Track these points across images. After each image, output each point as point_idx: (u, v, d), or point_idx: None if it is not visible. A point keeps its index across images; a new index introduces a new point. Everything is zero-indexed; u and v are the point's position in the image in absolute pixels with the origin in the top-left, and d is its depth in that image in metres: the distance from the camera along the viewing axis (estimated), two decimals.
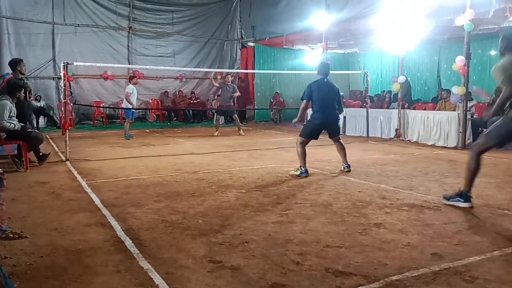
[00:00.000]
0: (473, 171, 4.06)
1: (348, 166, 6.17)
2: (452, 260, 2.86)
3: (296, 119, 6.42)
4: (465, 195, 4.13)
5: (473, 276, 2.61)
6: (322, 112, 6.05)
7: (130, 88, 10.86)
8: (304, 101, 6.17)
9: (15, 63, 7.16)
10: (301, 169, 5.94)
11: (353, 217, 3.87)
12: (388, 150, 8.54)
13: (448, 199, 4.29)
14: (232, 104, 12.17)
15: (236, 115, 12.27)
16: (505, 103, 3.88)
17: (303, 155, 6.01)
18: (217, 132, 11.80)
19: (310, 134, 6.12)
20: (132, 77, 11.31)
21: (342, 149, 6.26)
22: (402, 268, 2.73)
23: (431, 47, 13.76)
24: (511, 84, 3.82)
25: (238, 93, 12.26)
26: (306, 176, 5.80)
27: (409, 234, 3.41)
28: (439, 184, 5.31)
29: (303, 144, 6.07)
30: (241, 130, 12.00)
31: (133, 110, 10.98)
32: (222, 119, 13.81)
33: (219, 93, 12.41)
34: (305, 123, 7.00)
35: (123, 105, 10.89)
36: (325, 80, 6.20)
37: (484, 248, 3.08)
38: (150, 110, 15.22)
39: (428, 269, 2.71)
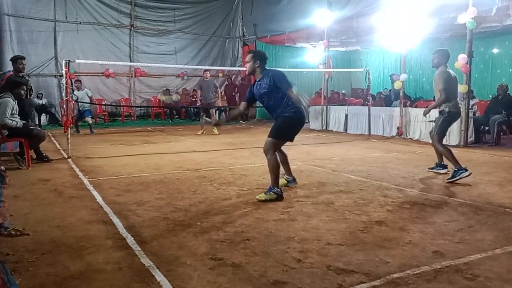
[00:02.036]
0: (448, 153, 5.34)
1: (294, 180, 4.98)
2: (454, 258, 2.86)
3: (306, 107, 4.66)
4: (457, 170, 5.20)
5: (474, 274, 2.61)
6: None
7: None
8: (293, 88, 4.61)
9: (14, 59, 7.28)
10: (272, 189, 4.35)
11: (354, 215, 3.87)
12: (390, 148, 8.53)
13: (451, 178, 5.23)
14: (214, 101, 11.62)
15: (213, 110, 11.61)
16: (440, 106, 5.52)
17: (278, 167, 4.43)
18: (202, 131, 11.35)
19: (288, 135, 4.58)
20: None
21: (286, 158, 4.89)
22: (403, 265, 2.73)
23: (434, 45, 13.62)
24: (444, 94, 5.42)
25: (219, 89, 12.07)
26: (282, 199, 4.33)
27: (411, 232, 3.41)
28: (441, 182, 5.31)
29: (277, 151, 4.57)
30: (215, 128, 11.26)
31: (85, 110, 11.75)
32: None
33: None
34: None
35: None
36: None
37: (485, 246, 3.08)
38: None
39: (430, 267, 2.71)
